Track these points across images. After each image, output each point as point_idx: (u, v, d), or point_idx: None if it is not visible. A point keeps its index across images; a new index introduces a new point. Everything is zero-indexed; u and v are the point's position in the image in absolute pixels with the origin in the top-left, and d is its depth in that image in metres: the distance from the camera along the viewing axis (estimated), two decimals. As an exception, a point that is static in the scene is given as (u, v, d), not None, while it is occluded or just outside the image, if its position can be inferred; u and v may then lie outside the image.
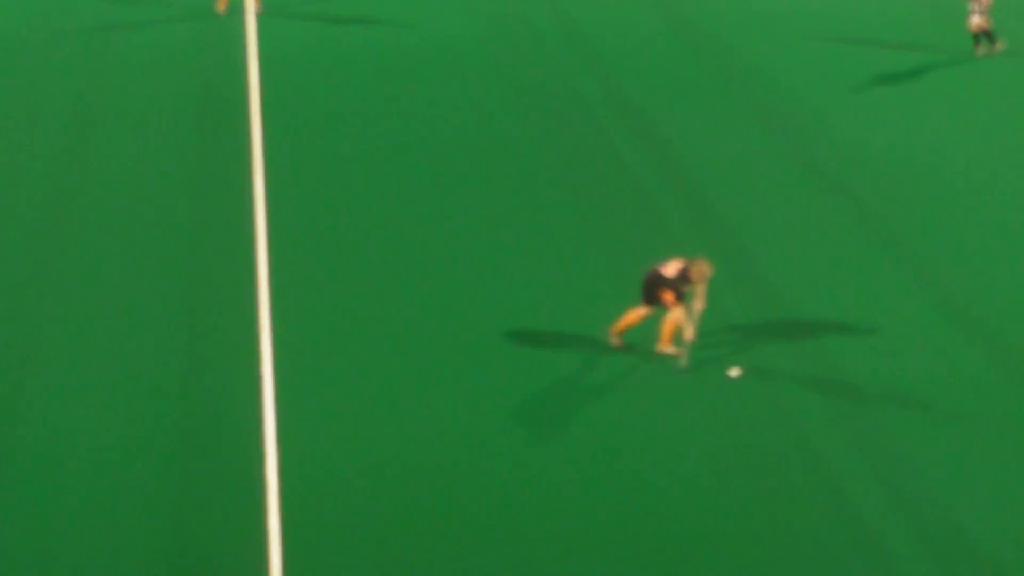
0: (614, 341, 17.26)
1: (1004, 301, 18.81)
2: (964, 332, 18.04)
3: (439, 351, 17.30)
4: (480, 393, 16.43)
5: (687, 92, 26.60)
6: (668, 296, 16.68)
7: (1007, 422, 15.92)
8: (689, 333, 16.72)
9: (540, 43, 29.52)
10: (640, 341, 17.24)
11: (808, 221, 21.25)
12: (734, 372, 16.74)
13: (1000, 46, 28.80)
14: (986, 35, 28.56)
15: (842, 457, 15.20)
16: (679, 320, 16.76)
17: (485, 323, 18.05)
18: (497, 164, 23.16)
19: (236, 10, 30.17)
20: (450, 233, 20.60)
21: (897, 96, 26.77)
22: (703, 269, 16.70)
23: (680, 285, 16.66)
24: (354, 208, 21.32)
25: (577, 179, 22.71)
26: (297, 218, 20.98)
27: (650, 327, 17.10)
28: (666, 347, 17.02)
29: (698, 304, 16.81)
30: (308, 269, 19.39)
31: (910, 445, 15.47)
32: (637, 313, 17.09)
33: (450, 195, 21.92)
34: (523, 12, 31.42)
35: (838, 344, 17.64)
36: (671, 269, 16.74)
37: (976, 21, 28.35)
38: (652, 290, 16.82)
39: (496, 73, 27.53)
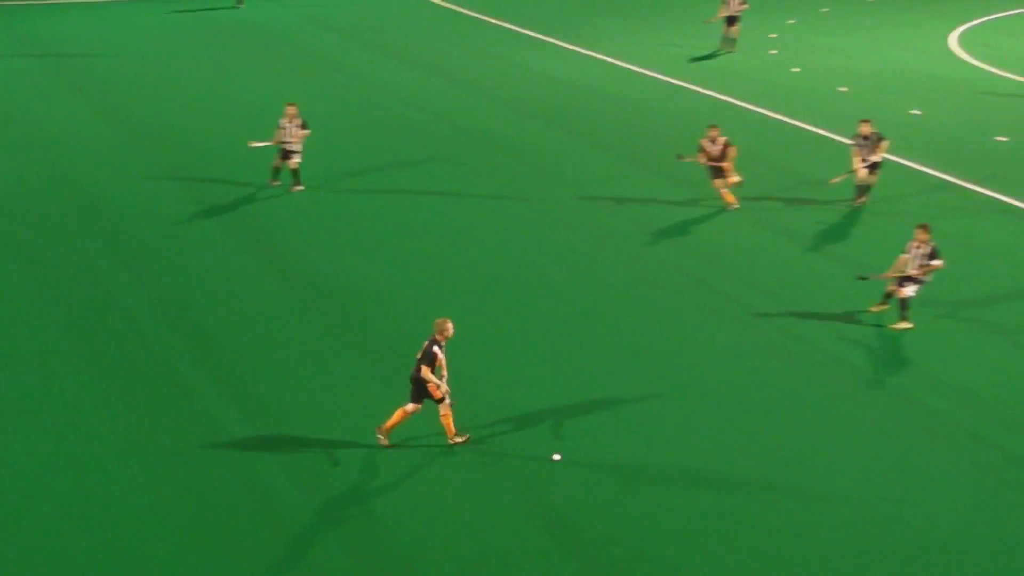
0: (383, 439, 18.35)
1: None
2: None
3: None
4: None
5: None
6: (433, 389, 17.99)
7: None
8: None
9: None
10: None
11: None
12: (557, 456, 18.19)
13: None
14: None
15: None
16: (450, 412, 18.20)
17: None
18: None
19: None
20: None
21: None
22: (444, 325, 18.19)
23: (432, 351, 18.00)
24: None
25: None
26: None
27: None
28: (458, 438, 18.40)
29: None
30: None
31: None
32: (405, 411, 18.25)
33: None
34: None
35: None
36: (423, 352, 18.07)
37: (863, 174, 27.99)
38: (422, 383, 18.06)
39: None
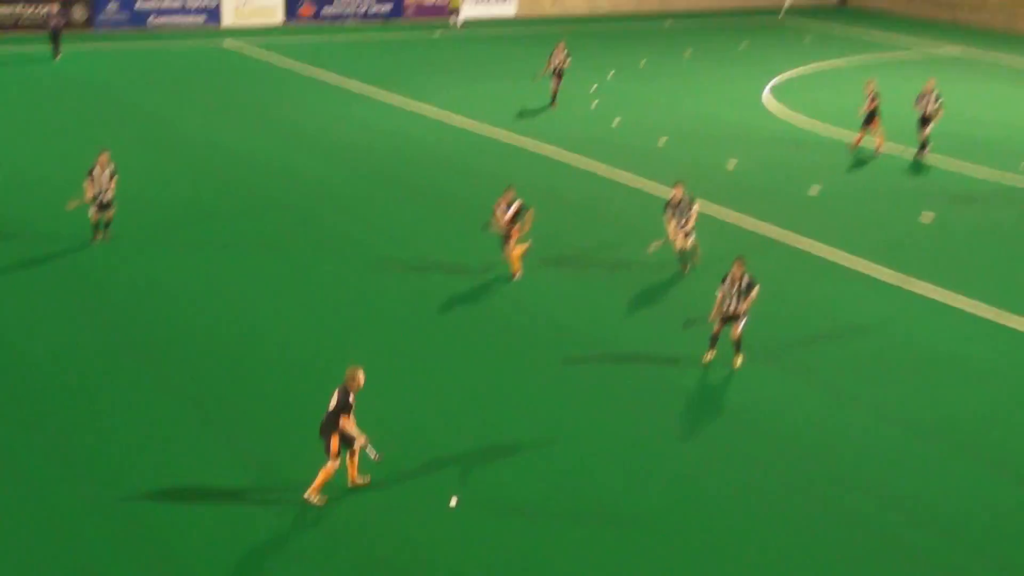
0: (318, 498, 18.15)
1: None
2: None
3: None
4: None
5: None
6: (335, 441, 17.80)
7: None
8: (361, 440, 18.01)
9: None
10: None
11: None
12: (454, 502, 18.16)
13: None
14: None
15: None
16: (333, 468, 17.95)
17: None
18: None
19: None
20: None
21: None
22: (355, 374, 17.95)
23: (348, 400, 17.81)
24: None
25: None
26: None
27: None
28: (315, 497, 18.09)
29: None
30: None
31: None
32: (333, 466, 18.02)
33: None
34: None
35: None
36: (334, 401, 17.87)
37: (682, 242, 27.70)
38: (334, 428, 17.78)
39: None
